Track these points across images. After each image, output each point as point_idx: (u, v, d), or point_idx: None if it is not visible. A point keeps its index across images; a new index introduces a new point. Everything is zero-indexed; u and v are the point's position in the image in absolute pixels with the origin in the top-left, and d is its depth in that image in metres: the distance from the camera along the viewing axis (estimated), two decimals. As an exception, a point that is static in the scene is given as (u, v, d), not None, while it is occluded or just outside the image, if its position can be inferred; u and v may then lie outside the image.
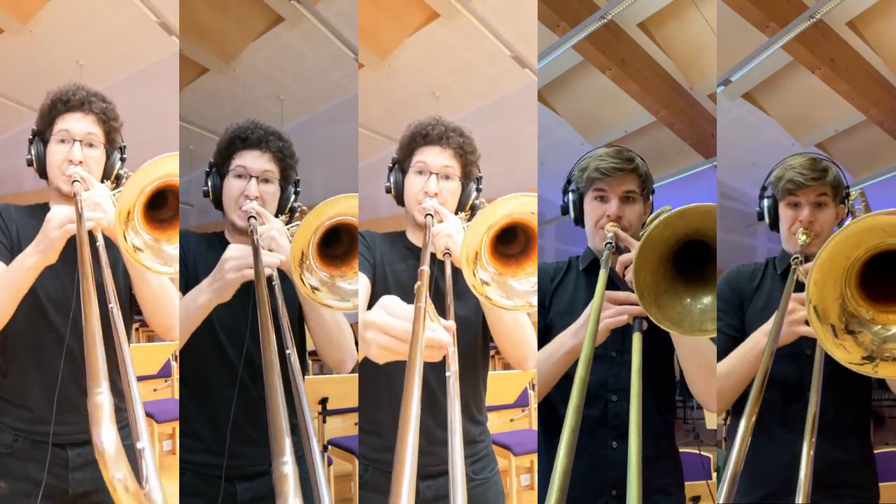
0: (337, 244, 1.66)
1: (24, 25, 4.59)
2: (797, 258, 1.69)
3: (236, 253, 1.63)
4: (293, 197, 1.86)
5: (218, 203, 1.84)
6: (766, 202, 1.86)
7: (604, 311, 1.59)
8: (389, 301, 1.11)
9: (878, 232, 1.33)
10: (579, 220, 1.84)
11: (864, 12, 4.56)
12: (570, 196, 1.84)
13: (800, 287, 1.62)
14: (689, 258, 1.60)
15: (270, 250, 1.66)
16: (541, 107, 5.17)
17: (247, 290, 1.68)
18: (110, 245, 1.58)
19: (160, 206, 1.62)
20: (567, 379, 1.68)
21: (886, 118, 5.01)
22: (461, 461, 1.00)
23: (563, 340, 1.68)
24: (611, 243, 1.69)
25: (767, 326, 1.64)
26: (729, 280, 1.89)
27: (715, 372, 1.67)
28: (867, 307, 1.39)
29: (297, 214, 1.88)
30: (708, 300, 1.59)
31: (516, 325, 1.71)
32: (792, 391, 1.72)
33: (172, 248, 1.62)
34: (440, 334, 1.09)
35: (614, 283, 1.67)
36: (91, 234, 1.59)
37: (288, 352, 1.40)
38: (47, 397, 1.70)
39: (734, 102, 5.28)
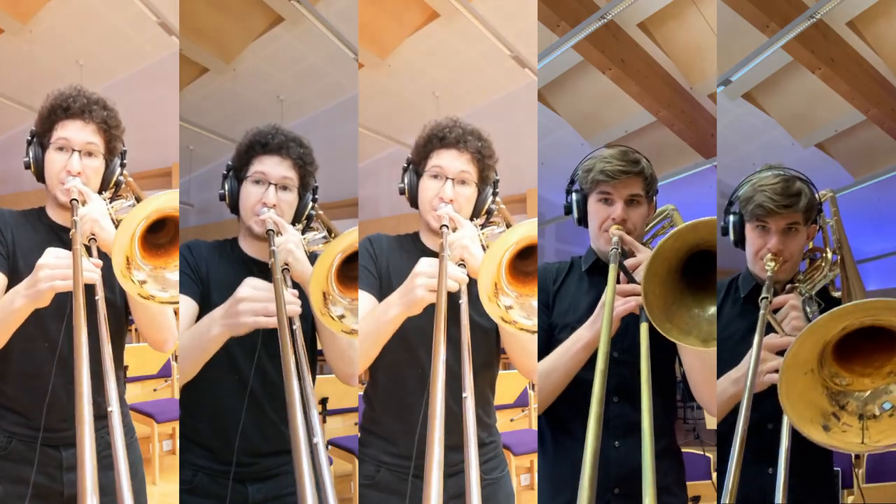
0: (353, 264, 1.64)
1: (24, 25, 4.59)
2: (766, 298, 1.61)
3: (253, 293, 1.54)
4: (311, 204, 1.82)
5: (234, 207, 1.81)
6: (731, 218, 1.76)
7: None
8: (426, 260, 1.58)
9: (830, 328, 1.38)
10: (582, 221, 1.82)
11: (864, 12, 4.56)
12: (574, 196, 1.81)
13: (771, 327, 1.60)
14: (693, 268, 1.61)
15: (286, 264, 1.63)
16: (541, 107, 5.17)
17: None
18: (104, 256, 1.57)
19: (158, 230, 1.61)
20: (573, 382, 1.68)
21: (886, 118, 5.01)
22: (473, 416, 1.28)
23: (578, 335, 1.67)
24: (616, 248, 1.67)
25: (734, 374, 1.63)
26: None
27: (715, 377, 1.66)
28: (844, 375, 1.43)
29: (314, 220, 1.85)
30: (714, 309, 1.59)
31: (529, 339, 1.70)
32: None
33: (171, 275, 1.60)
34: (458, 272, 1.57)
35: (620, 281, 1.67)
36: (87, 246, 1.59)
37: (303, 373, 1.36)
38: (40, 400, 1.69)
39: (734, 102, 5.28)
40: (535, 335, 1.68)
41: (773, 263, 1.67)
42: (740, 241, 1.77)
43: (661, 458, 1.75)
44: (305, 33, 4.56)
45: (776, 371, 1.43)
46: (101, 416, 1.31)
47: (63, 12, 4.60)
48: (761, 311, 1.58)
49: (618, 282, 1.64)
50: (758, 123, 5.41)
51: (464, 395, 1.32)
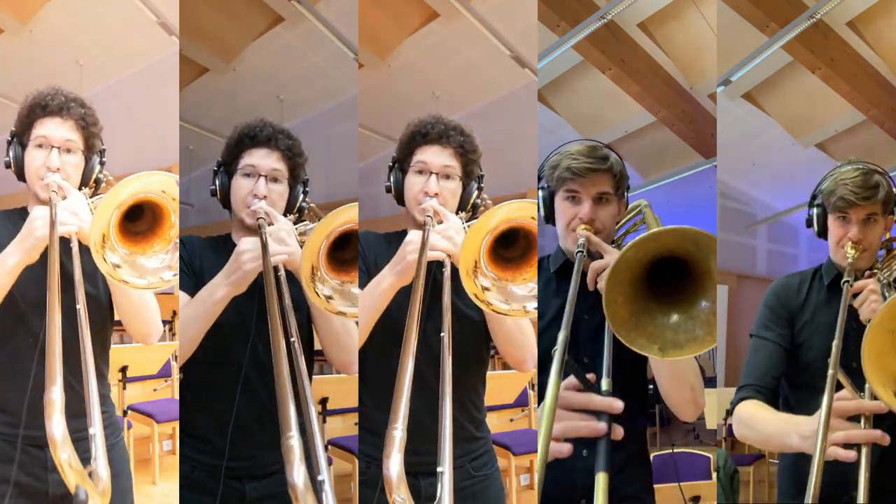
0: (347, 248, 1.65)
1: (24, 25, 4.59)
2: (848, 281, 1.73)
3: (251, 245, 1.64)
4: (302, 196, 1.84)
5: (226, 202, 1.83)
6: (815, 210, 1.88)
7: (566, 423, 1.34)
8: (416, 231, 1.64)
9: None
10: (550, 219, 1.76)
11: (864, 12, 4.56)
12: (540, 193, 1.75)
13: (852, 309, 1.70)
14: (658, 275, 1.52)
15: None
16: (541, 107, 5.16)
17: (253, 291, 1.68)
18: (86, 251, 1.58)
19: (137, 217, 1.62)
20: None
21: (886, 118, 5.01)
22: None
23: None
24: (582, 251, 1.61)
25: (804, 429, 1.62)
26: (777, 292, 1.93)
27: (687, 383, 1.64)
28: None
29: (306, 213, 1.87)
30: (676, 318, 1.51)
31: (517, 328, 1.71)
32: None
33: (148, 261, 1.61)
34: (444, 243, 1.61)
35: (586, 289, 1.60)
36: (66, 240, 1.61)
37: (292, 339, 1.43)
38: (24, 397, 1.69)
39: (734, 102, 5.28)
40: (521, 323, 1.67)
41: (853, 251, 1.79)
42: (823, 233, 1.88)
43: (629, 465, 1.73)
44: (305, 33, 4.56)
45: (843, 445, 1.48)
46: (79, 416, 1.32)
47: (63, 12, 4.60)
48: (843, 294, 1.71)
49: (585, 293, 1.56)
50: (758, 123, 5.41)
51: (442, 385, 1.34)
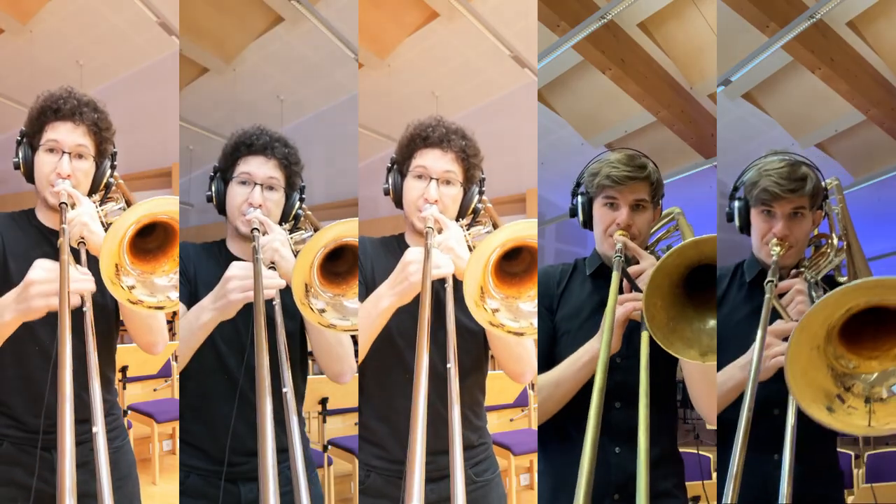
0: (340, 260, 1.64)
1: (24, 25, 4.59)
2: (771, 282, 1.60)
3: (240, 272, 1.59)
4: (298, 204, 1.82)
5: (221, 209, 1.82)
6: (736, 203, 1.75)
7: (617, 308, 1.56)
8: (415, 249, 1.62)
9: (840, 305, 1.33)
10: (588, 224, 1.80)
11: (864, 12, 4.56)
12: (580, 199, 1.79)
13: (775, 311, 1.60)
14: (695, 281, 1.59)
15: (273, 263, 1.64)
16: (541, 107, 5.17)
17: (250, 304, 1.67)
18: (94, 260, 1.56)
19: (147, 234, 1.60)
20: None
21: (886, 118, 5.01)
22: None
23: (586, 348, 1.66)
24: (620, 255, 1.66)
25: (742, 361, 1.60)
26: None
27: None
28: (851, 358, 1.40)
29: (302, 220, 1.85)
30: (712, 324, 1.58)
31: (515, 341, 1.69)
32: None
33: (160, 280, 1.59)
34: (446, 259, 1.58)
35: (621, 293, 1.65)
36: (76, 249, 1.59)
37: (285, 390, 1.40)
38: (31, 402, 1.67)
39: (734, 102, 5.28)
40: (522, 337, 1.67)
41: (778, 248, 1.67)
42: (746, 227, 1.75)
43: (662, 462, 1.74)
44: (305, 33, 4.57)
45: (782, 355, 1.39)
46: (85, 421, 1.31)
47: (63, 12, 4.60)
48: (767, 295, 1.57)
49: (621, 289, 1.63)
50: (758, 123, 5.41)
51: (450, 396, 1.32)
